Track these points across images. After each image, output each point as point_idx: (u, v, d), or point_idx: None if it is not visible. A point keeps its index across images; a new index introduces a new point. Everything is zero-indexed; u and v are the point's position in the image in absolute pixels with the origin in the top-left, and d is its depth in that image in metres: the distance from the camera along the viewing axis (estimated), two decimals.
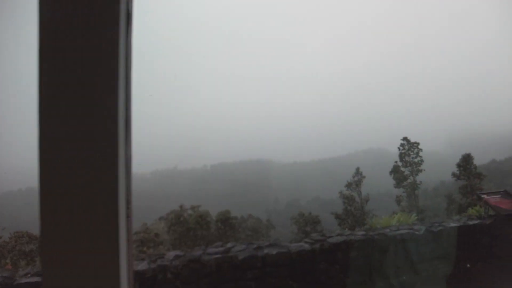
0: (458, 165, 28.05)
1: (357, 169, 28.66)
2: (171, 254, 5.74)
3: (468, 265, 6.68)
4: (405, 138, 30.08)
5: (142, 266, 5.37)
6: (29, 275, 5.17)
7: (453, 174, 28.66)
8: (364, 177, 28.18)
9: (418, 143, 29.66)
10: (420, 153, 29.43)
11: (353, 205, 26.14)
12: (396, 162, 30.32)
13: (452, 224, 6.84)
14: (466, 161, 27.64)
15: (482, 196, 7.36)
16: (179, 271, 5.37)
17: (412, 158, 29.45)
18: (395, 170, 30.09)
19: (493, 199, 7.24)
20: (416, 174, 29.22)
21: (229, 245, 5.90)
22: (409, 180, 29.29)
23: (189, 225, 17.37)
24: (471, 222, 6.93)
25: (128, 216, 0.95)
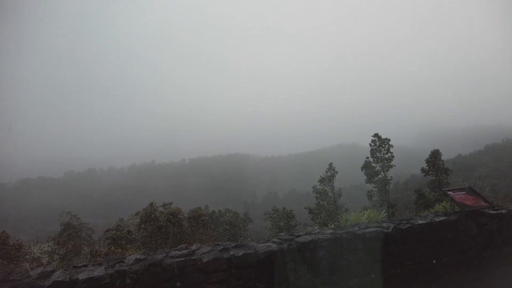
0: (427, 161, 28.92)
1: (330, 164, 28.94)
2: (131, 257, 5.41)
3: (434, 261, 6.78)
4: (376, 135, 30.62)
5: (98, 271, 5.01)
6: None
7: (422, 170, 29.53)
8: (336, 172, 28.51)
9: (389, 139, 30.28)
10: (391, 149, 30.08)
11: (326, 200, 26.44)
12: (367, 158, 30.86)
13: (420, 221, 6.90)
14: (434, 157, 28.55)
15: (448, 192, 7.48)
16: (139, 276, 5.06)
17: (383, 154, 30.04)
18: (366, 166, 30.64)
19: (458, 196, 7.38)
20: (387, 170, 29.88)
21: (193, 247, 5.64)
22: (380, 176, 29.91)
23: (159, 223, 16.89)
24: (437, 219, 7.02)
25: None
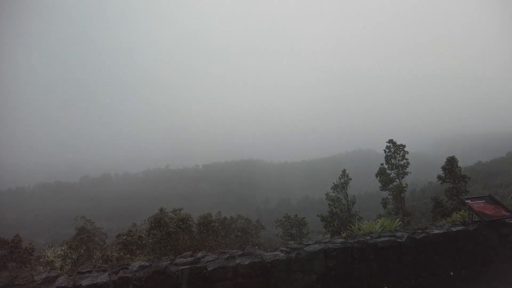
0: (444, 168, 28.07)
1: (343, 171, 28.40)
2: (136, 264, 5.32)
3: (452, 273, 6.44)
4: (390, 141, 29.97)
5: (102, 278, 4.94)
6: None
7: (439, 177, 28.67)
8: (350, 179, 27.96)
9: (404, 145, 29.58)
10: (406, 156, 29.34)
11: (339, 207, 25.91)
12: (382, 164, 30.19)
13: (436, 231, 6.58)
14: (451, 164, 27.68)
15: (466, 201, 7.13)
16: (143, 283, 4.95)
17: (398, 160, 29.33)
18: (381, 173, 29.94)
19: (477, 205, 7.02)
20: (402, 177, 29.13)
21: (199, 254, 5.51)
22: (395, 183, 29.17)
23: (169, 229, 16.86)
24: (454, 229, 6.68)
25: None
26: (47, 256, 18.96)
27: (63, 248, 21.31)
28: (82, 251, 20.12)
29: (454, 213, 8.95)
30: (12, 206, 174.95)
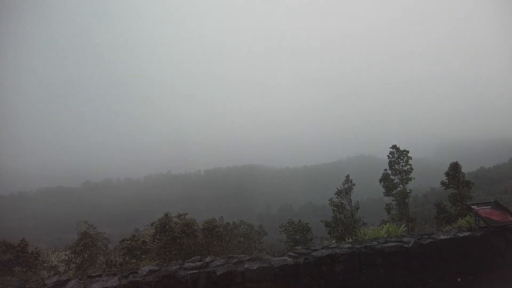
0: (447, 174, 28.00)
1: (347, 176, 28.36)
2: (145, 268, 5.36)
3: (459, 279, 6.43)
4: (394, 146, 29.96)
5: (112, 282, 4.99)
6: None
7: (442, 183, 28.59)
8: (354, 184, 27.93)
9: (407, 151, 29.56)
10: (410, 161, 29.30)
11: (343, 213, 25.85)
12: (385, 170, 30.14)
13: (442, 236, 6.59)
14: (454, 170, 27.60)
15: (472, 207, 7.14)
16: (152, 287, 4.99)
17: (402, 166, 29.28)
18: (384, 178, 29.87)
19: (483, 211, 7.03)
20: (406, 183, 29.06)
21: (207, 259, 5.55)
22: (398, 189, 29.09)
23: (174, 234, 16.87)
24: (461, 234, 6.69)
25: None
26: (51, 261, 19.04)
27: (67, 253, 21.38)
28: (86, 256, 20.17)
29: (459, 218, 8.94)
30: (15, 210, 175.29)
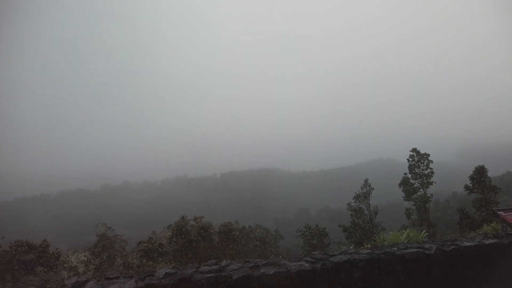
0: (471, 178, 26.96)
1: (365, 180, 27.77)
2: (162, 271, 5.38)
3: None
4: (414, 149, 29.18)
5: (129, 284, 5.03)
6: None
7: (466, 187, 27.55)
8: (372, 188, 27.33)
9: (428, 154, 28.72)
10: (431, 165, 28.45)
11: (362, 218, 25.32)
12: (405, 174, 29.38)
13: (466, 243, 6.32)
14: (479, 174, 26.52)
15: (499, 212, 6.83)
16: None
17: (422, 170, 28.47)
18: (404, 183, 29.10)
19: (511, 217, 6.71)
20: (427, 187, 28.21)
21: (223, 263, 5.52)
22: (419, 193, 28.27)
23: (190, 237, 16.96)
24: (487, 242, 6.40)
25: None
26: (71, 262, 19.52)
27: (86, 254, 21.88)
28: (104, 257, 20.57)
29: (484, 225, 8.58)
30: (37, 212, 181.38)
